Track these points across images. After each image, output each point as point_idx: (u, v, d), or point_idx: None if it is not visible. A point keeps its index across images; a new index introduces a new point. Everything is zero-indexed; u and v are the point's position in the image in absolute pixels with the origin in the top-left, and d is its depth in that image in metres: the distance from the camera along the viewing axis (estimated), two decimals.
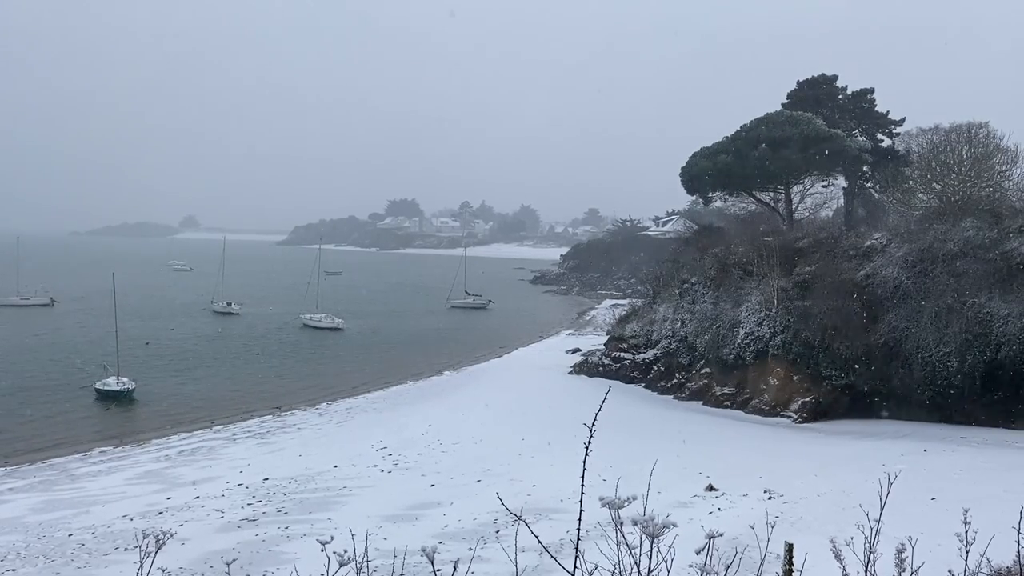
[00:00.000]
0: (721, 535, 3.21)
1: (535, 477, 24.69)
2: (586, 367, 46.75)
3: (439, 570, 3.13)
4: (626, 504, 3.00)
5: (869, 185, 52.79)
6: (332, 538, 3.27)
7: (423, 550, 3.02)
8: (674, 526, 2.99)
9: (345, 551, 3.09)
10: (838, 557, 3.47)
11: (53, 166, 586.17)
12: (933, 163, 41.58)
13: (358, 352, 59.43)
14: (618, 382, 42.07)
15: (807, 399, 34.51)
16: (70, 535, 21.26)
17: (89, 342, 55.54)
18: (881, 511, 3.68)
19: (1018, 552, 3.76)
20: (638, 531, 3.06)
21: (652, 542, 3.00)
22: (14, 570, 18.75)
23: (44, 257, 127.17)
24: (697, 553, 3.12)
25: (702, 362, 40.46)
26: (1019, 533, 3.79)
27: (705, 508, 20.84)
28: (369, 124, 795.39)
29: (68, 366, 48.68)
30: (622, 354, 45.66)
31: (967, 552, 3.80)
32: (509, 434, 31.54)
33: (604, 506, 2.97)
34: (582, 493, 3.15)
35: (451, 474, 26.24)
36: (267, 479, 26.31)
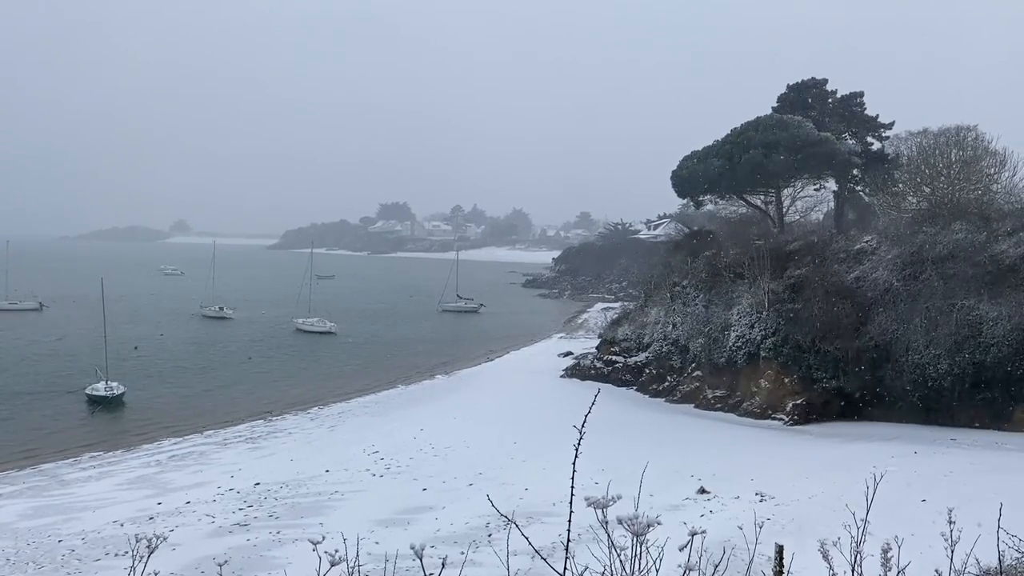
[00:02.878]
0: (704, 532, 3.24)
1: (527, 481, 24.69)
2: (578, 370, 46.78)
3: (431, 574, 3.14)
4: (611, 503, 3.02)
5: (859, 188, 53.10)
6: (323, 538, 3.28)
7: (412, 547, 3.03)
8: (659, 524, 3.01)
9: (336, 551, 3.11)
10: (826, 557, 3.51)
11: (42, 170, 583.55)
12: (923, 166, 41.86)
13: (350, 356, 59.33)
14: (610, 385, 42.11)
15: (798, 401, 34.62)
16: (60, 541, 21.13)
17: (79, 347, 55.21)
18: (867, 511, 3.72)
19: (998, 549, 3.80)
20: (628, 534, 3.08)
21: (639, 540, 3.03)
22: None
23: (33, 262, 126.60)
24: (680, 550, 3.15)
25: (693, 365, 40.55)
26: (998, 529, 3.84)
27: (697, 511, 20.87)
28: (360, 128, 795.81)
29: (58, 371, 48.43)
30: (614, 357, 45.72)
31: (952, 552, 3.84)
32: (501, 438, 31.54)
33: (589, 505, 3.00)
34: (571, 496, 3.17)
35: (443, 478, 26.21)
36: (258, 484, 26.21)
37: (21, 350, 55.68)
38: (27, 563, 19.53)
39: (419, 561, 3.05)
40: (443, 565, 3.17)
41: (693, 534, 3.20)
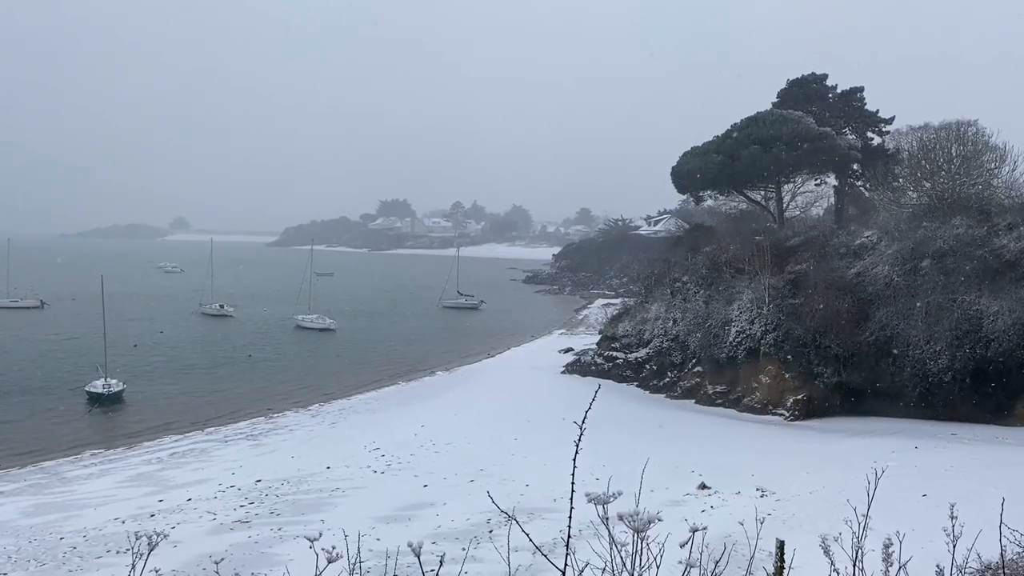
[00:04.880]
0: (705, 528, 3.23)
1: (528, 477, 24.70)
2: (579, 367, 46.79)
3: (431, 571, 3.13)
4: (611, 499, 3.01)
5: (859, 183, 53.07)
6: (320, 535, 3.27)
7: (410, 545, 3.02)
8: (660, 520, 3.00)
9: (334, 547, 3.09)
10: (827, 553, 3.50)
11: (41, 168, 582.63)
12: (923, 161, 41.78)
13: (351, 353, 59.36)
14: (611, 381, 42.13)
15: (799, 397, 34.64)
16: (61, 538, 21.16)
17: (79, 344, 55.23)
18: (868, 507, 3.71)
19: (1000, 544, 3.80)
20: (629, 530, 3.07)
21: (639, 536, 3.02)
22: (5, 574, 18.67)
23: (33, 259, 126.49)
24: (681, 546, 3.14)
25: (694, 361, 40.55)
26: (1000, 524, 3.83)
27: (698, 506, 20.88)
28: (359, 125, 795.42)
29: (58, 369, 48.47)
30: (614, 353, 45.72)
31: (954, 547, 3.84)
32: (502, 434, 31.56)
33: (590, 502, 2.99)
34: (572, 492, 3.16)
35: (444, 474, 26.22)
36: (259, 481, 26.24)
37: (22, 348, 55.71)
38: (28, 561, 19.56)
39: (414, 553, 3.04)
40: (441, 563, 3.16)
41: (694, 530, 3.19)
